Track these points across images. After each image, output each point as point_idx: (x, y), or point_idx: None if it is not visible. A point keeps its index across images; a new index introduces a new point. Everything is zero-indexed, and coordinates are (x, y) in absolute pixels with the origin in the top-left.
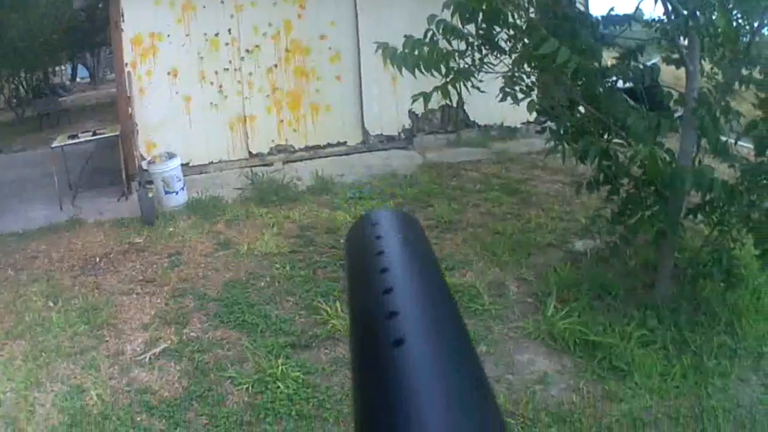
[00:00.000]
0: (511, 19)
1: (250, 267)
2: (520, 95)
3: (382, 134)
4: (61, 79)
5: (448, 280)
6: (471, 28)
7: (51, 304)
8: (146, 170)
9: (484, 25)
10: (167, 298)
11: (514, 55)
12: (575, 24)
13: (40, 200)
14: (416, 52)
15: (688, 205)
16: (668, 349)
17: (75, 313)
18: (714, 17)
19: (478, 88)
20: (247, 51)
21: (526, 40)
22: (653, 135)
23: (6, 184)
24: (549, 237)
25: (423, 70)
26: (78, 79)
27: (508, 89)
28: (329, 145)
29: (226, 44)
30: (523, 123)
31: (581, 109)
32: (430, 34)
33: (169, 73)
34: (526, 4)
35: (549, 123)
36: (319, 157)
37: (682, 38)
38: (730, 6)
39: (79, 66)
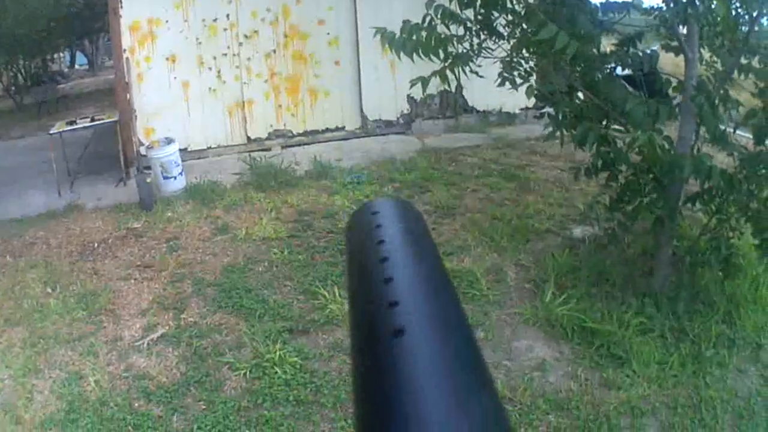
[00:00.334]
0: (509, 4)
1: (248, 252)
2: (518, 80)
3: (380, 119)
4: (60, 67)
5: (446, 266)
6: (469, 13)
7: (49, 290)
8: (144, 156)
9: (482, 10)
10: (165, 284)
11: (512, 41)
12: (574, 9)
13: (38, 186)
14: (414, 37)
15: (686, 193)
16: (666, 337)
17: (73, 299)
18: (713, 5)
19: (476, 73)
20: (246, 36)
21: (524, 26)
22: (652, 121)
23: (4, 170)
24: (547, 223)
25: (421, 55)
26: (76, 66)
27: (506, 74)
28: (327, 130)
29: (225, 30)
30: (522, 109)
31: (580, 95)
32: (428, 19)
33: (167, 59)
34: None
35: (548, 108)
36: (318, 142)
37: (681, 26)
38: None
39: (78, 53)
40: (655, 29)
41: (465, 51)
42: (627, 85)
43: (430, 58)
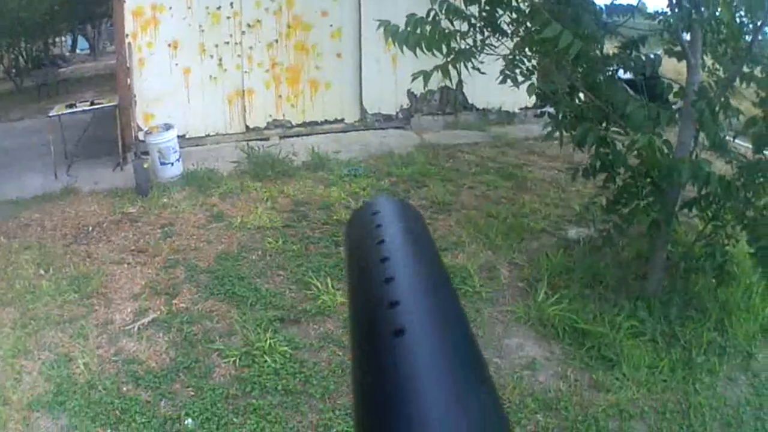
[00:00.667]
0: (514, 2)
1: (242, 240)
2: (520, 78)
3: (380, 113)
4: (61, 50)
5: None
6: (474, 9)
7: (42, 271)
8: (143, 141)
9: (487, 7)
10: (158, 269)
11: (516, 39)
12: (578, 9)
13: (35, 169)
14: (418, 31)
15: (683, 199)
16: (657, 341)
17: (65, 282)
18: (718, 12)
19: (478, 70)
20: (249, 25)
21: (528, 24)
22: (652, 125)
23: (3, 152)
24: (543, 223)
25: (424, 50)
26: (78, 51)
27: (508, 72)
28: (326, 121)
29: (228, 18)
30: (522, 108)
31: (581, 95)
32: (432, 13)
33: (169, 45)
34: None
35: (548, 108)
36: (316, 134)
37: (684, 32)
38: (735, 2)
39: (80, 37)
40: (658, 34)
41: (468, 47)
42: (628, 89)
43: (433, 53)
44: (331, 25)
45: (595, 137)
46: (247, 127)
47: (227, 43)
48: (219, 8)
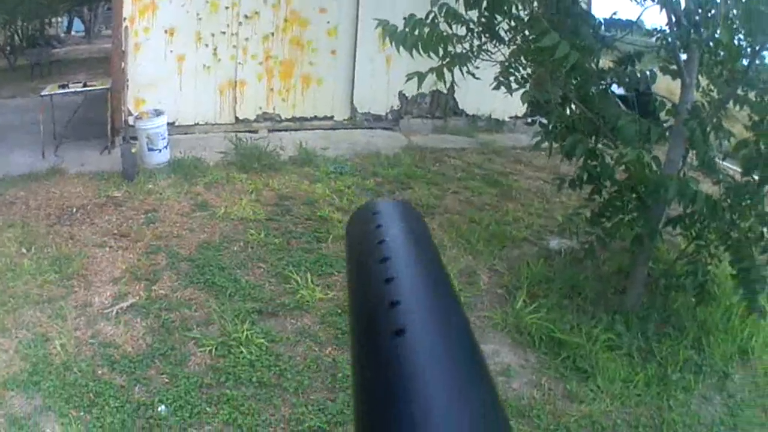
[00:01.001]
0: (514, 10)
1: (225, 230)
2: (514, 86)
3: (369, 113)
4: (57, 31)
5: None
6: (473, 14)
7: (24, 250)
8: (132, 126)
9: (486, 13)
10: (140, 254)
11: (512, 46)
12: (578, 21)
13: (24, 147)
14: (416, 32)
15: (667, 216)
16: (633, 356)
17: (47, 262)
18: (717, 33)
19: (473, 75)
20: (246, 17)
21: (526, 32)
22: (642, 140)
23: None
24: (525, 232)
25: (421, 52)
26: (73, 33)
27: (502, 78)
28: (316, 118)
29: (226, 8)
30: (511, 117)
31: (572, 107)
32: (431, 16)
33: (165, 32)
34: None
35: (539, 117)
36: (305, 129)
37: (681, 51)
38: (735, 25)
39: (76, 19)
40: (655, 51)
41: (464, 51)
42: (620, 103)
43: (429, 55)
44: (329, 22)
45: (585, 149)
46: (236, 118)
47: (224, 33)
48: None
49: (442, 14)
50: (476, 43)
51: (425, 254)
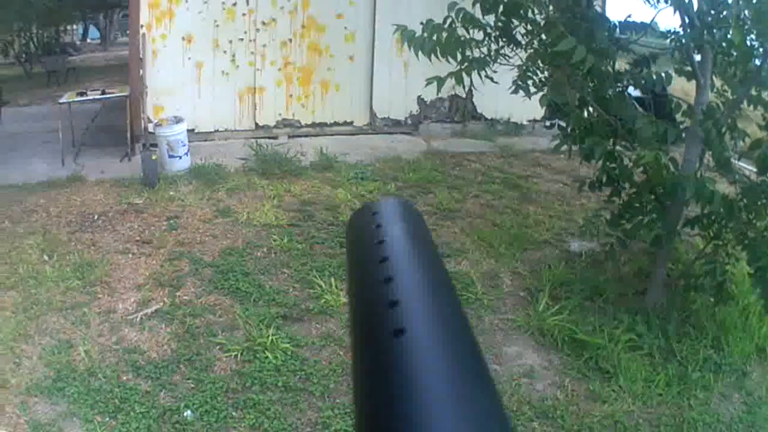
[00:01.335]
0: (530, 14)
1: (248, 236)
2: (532, 89)
3: (389, 118)
4: (72, 39)
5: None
6: (490, 18)
7: (46, 258)
8: (152, 133)
9: (503, 17)
10: (163, 261)
11: (529, 50)
12: (593, 25)
13: (42, 155)
14: (435, 37)
15: (685, 217)
16: (654, 356)
17: (69, 269)
18: (729, 34)
19: (491, 78)
20: (263, 23)
21: (543, 36)
22: (659, 142)
23: (10, 136)
24: (546, 234)
25: (439, 56)
26: (88, 40)
27: (521, 83)
28: (336, 123)
29: (243, 15)
30: (530, 120)
31: (590, 109)
32: (449, 21)
33: (183, 39)
34: (546, 1)
35: (558, 120)
36: (325, 135)
37: (695, 52)
38: (747, 26)
39: (91, 27)
40: (669, 53)
41: (482, 56)
42: (637, 105)
43: (447, 60)
44: (346, 28)
45: (603, 151)
46: (256, 124)
47: (241, 39)
48: (235, 4)
49: (459, 19)
50: (494, 47)
51: (425, 253)
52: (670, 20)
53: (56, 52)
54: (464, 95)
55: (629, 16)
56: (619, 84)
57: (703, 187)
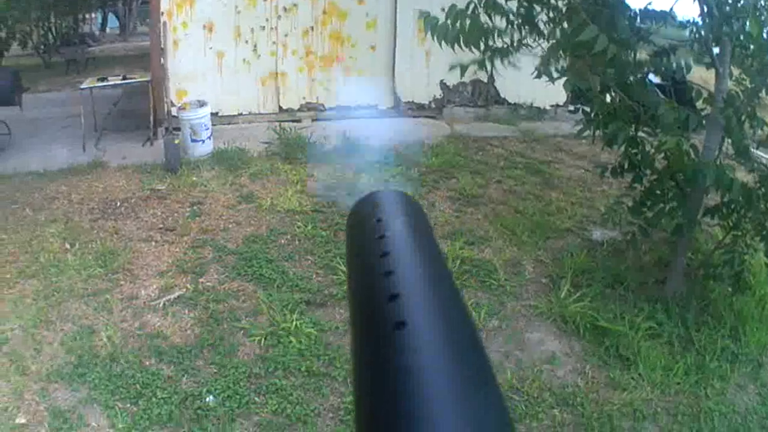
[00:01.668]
0: (552, 1)
1: (271, 223)
2: (555, 74)
3: (412, 101)
4: (91, 29)
5: (467, 254)
6: (512, 5)
7: (67, 245)
8: (174, 117)
9: (525, 3)
10: (186, 248)
11: (551, 41)
12: (614, 12)
13: (62, 141)
14: (458, 24)
15: (705, 207)
16: (673, 344)
17: (91, 256)
18: (747, 25)
19: (513, 65)
20: (285, 10)
21: (564, 25)
22: (681, 128)
23: (30, 122)
24: (568, 222)
25: (462, 46)
26: (107, 30)
27: (543, 70)
28: (359, 107)
29: (264, 1)
30: (552, 105)
31: (612, 94)
32: (471, 6)
33: (204, 27)
34: None
35: (581, 105)
36: (348, 118)
37: (714, 44)
38: (764, 17)
39: (110, 15)
40: (689, 44)
41: (505, 46)
42: (659, 92)
43: (470, 49)
44: (367, 15)
45: (626, 136)
46: (280, 107)
47: (263, 27)
48: None
49: (482, 5)
50: (516, 36)
51: (425, 247)
52: (688, 10)
53: (75, 43)
54: (487, 80)
55: (649, 4)
56: (640, 72)
57: (723, 174)
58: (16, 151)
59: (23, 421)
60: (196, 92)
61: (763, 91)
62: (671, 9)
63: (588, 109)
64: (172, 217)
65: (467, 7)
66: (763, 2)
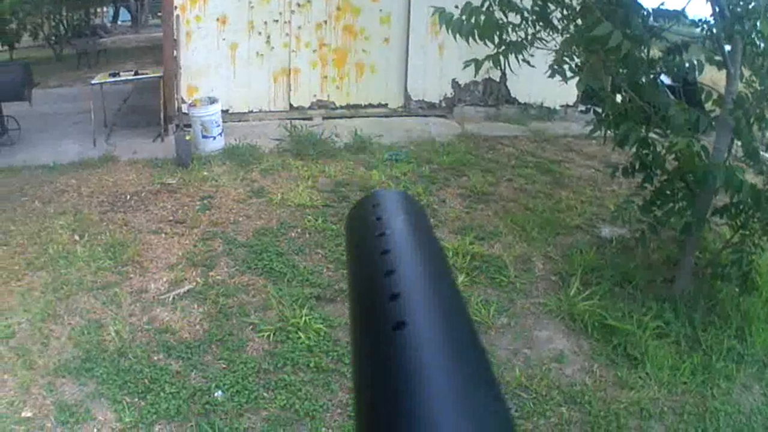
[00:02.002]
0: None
1: (281, 217)
2: (569, 74)
3: (423, 100)
4: (102, 21)
5: (477, 249)
6: (527, 2)
7: (77, 238)
8: (185, 113)
9: (540, 1)
10: (196, 241)
11: (565, 35)
12: (628, 10)
13: (73, 136)
14: (473, 20)
15: (713, 207)
16: (681, 344)
17: (100, 249)
18: (758, 25)
19: (527, 62)
20: (298, 5)
21: (578, 21)
22: (691, 129)
23: (41, 117)
24: (578, 220)
25: (477, 39)
26: (119, 22)
27: (557, 67)
28: (370, 105)
29: None
30: (563, 105)
31: (623, 94)
32: (486, 4)
33: (217, 20)
34: None
35: (592, 106)
36: (359, 116)
37: (726, 42)
38: None
39: (122, 8)
40: (700, 42)
41: (519, 40)
42: (669, 93)
43: (485, 43)
44: (381, 10)
45: (637, 137)
46: (291, 105)
47: (276, 21)
48: None
49: (497, 3)
50: (530, 31)
51: (426, 246)
52: (700, 9)
53: (86, 35)
54: (498, 79)
55: (662, 4)
56: (652, 71)
57: (733, 175)
58: (26, 146)
59: (29, 414)
60: (207, 87)
61: None
62: (683, 9)
63: (599, 110)
64: (182, 210)
65: (482, 4)
66: None
